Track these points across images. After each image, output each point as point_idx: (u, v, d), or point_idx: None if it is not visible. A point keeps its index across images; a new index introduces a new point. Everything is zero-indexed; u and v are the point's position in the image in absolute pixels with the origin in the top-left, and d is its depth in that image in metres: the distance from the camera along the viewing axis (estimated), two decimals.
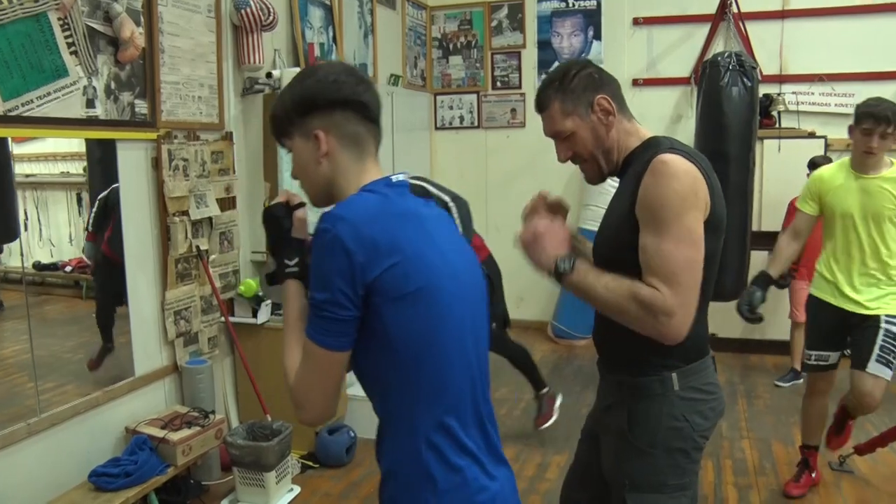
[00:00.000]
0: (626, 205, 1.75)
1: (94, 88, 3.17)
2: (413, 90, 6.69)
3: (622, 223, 1.77)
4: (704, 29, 6.13)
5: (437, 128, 7.10)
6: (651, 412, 1.82)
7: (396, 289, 1.29)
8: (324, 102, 1.42)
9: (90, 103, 3.16)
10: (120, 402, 3.40)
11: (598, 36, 6.53)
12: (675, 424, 1.79)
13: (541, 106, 1.88)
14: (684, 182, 1.67)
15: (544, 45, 6.73)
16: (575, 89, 1.82)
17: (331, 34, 5.20)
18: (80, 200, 3.81)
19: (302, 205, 1.57)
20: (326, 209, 1.37)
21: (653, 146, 1.78)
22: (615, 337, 1.83)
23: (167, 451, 3.26)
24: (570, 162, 1.91)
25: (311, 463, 4.00)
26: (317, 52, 4.84)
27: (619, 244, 1.78)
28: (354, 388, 4.42)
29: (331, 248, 1.28)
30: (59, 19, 3.01)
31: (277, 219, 1.55)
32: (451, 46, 7.07)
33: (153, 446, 3.25)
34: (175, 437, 3.28)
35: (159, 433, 3.29)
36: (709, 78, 5.05)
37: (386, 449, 1.42)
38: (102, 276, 3.65)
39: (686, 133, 6.19)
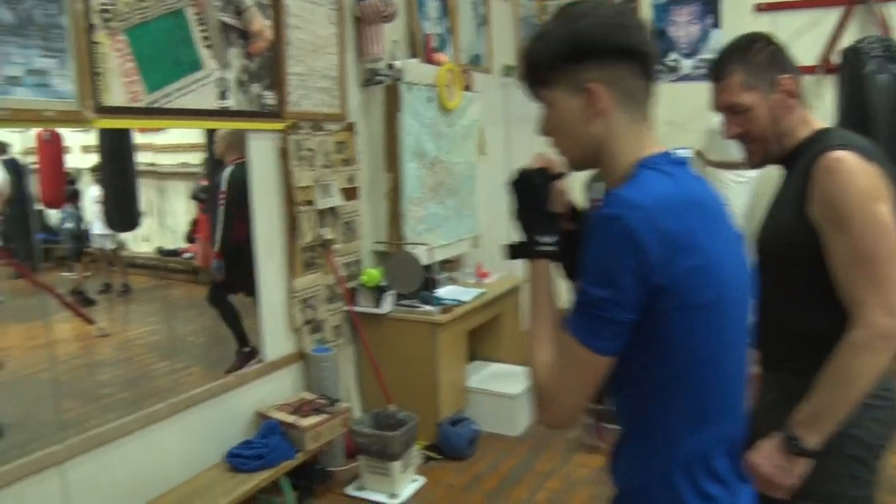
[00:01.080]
0: (796, 202, 1.65)
1: (227, 80, 3.25)
2: None
3: (793, 221, 1.65)
4: (834, 15, 5.78)
5: (539, 131, 6.98)
6: None
7: (691, 295, 1.12)
8: (604, 50, 1.19)
9: (222, 95, 3.24)
10: (250, 386, 3.48)
11: (717, 24, 6.28)
12: (850, 431, 1.61)
13: (718, 74, 1.76)
14: (862, 177, 1.55)
15: (660, 35, 6.53)
16: (760, 63, 1.70)
17: (446, 25, 5.19)
18: None
19: (562, 174, 1.35)
20: (599, 187, 1.24)
21: (823, 139, 1.67)
22: (776, 332, 1.72)
23: (297, 436, 3.31)
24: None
25: (433, 454, 3.99)
26: (434, 42, 4.84)
27: (792, 243, 1.67)
28: (473, 379, 4.40)
29: (620, 240, 1.09)
30: (195, 14, 3.09)
31: (534, 187, 1.32)
32: None
33: (283, 431, 3.31)
34: (304, 423, 3.33)
35: (289, 418, 3.35)
36: (851, 65, 4.76)
37: (630, 465, 1.27)
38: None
39: None
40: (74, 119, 2.65)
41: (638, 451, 1.25)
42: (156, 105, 2.93)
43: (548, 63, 1.23)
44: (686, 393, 1.18)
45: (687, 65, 6.40)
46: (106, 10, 2.73)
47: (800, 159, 1.69)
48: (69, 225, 3.70)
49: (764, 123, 1.72)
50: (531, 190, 1.33)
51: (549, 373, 1.19)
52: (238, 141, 3.45)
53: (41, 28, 2.50)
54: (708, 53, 6.27)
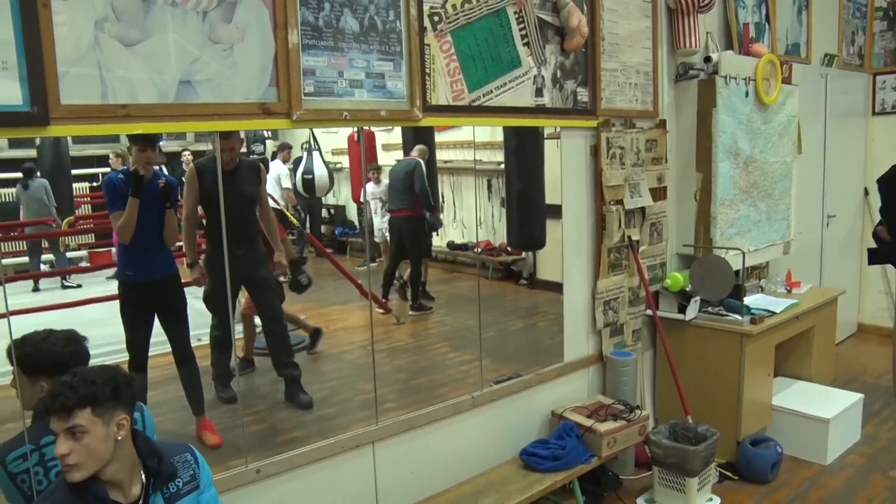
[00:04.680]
0: None
1: (543, 77, 3.24)
2: (848, 70, 5.97)
3: None
4: None
5: (874, 112, 6.26)
6: None
7: None
8: None
9: (538, 92, 3.24)
10: (548, 385, 3.48)
11: None
12: None
13: None
14: None
15: None
16: None
17: (764, 13, 4.81)
18: (490, 187, 3.98)
19: None
20: None
21: None
22: None
23: (593, 440, 3.25)
24: None
25: (730, 474, 3.73)
26: (752, 32, 4.51)
27: None
28: (779, 397, 4.06)
29: None
30: (514, 13, 3.11)
31: None
32: None
33: (580, 434, 3.26)
34: (602, 427, 3.25)
35: (586, 422, 3.30)
36: None
37: None
38: None
39: None
40: (405, 118, 2.78)
41: None
42: (476, 103, 3.00)
43: None
44: None
45: None
46: (436, 14, 2.82)
47: None
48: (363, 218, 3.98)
49: None
50: None
51: None
52: None
53: (381, 34, 2.65)
54: None
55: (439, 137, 4.08)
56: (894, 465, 3.84)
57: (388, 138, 4.27)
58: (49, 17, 1.92)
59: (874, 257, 1.17)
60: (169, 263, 2.97)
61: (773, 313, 3.94)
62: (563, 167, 3.45)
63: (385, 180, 4.38)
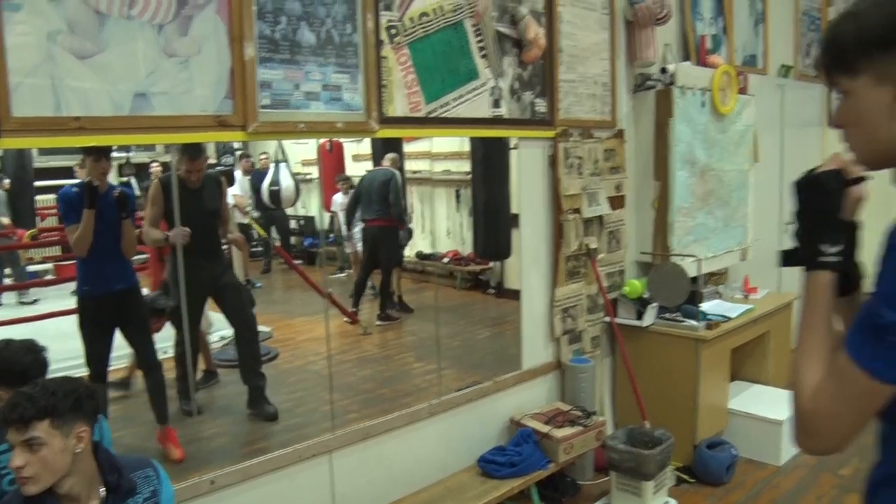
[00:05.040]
0: None
1: (500, 89, 3.29)
2: (805, 81, 6.10)
3: None
4: None
5: (830, 122, 6.40)
6: None
7: None
8: None
9: (496, 103, 3.28)
10: (507, 393, 3.52)
11: None
12: None
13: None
14: None
15: None
16: None
17: (721, 25, 4.90)
18: (458, 196, 4.03)
19: (862, 179, 1.19)
20: None
21: None
22: None
23: (550, 446, 3.29)
24: None
25: (686, 477, 3.80)
26: (708, 44, 4.60)
27: None
28: (735, 401, 4.14)
29: None
30: (472, 26, 3.16)
31: (827, 190, 1.18)
32: None
33: (537, 440, 3.31)
34: (559, 434, 3.30)
35: (543, 428, 3.34)
36: None
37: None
38: None
39: None
40: (361, 129, 2.81)
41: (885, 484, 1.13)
42: (434, 114, 3.04)
43: (855, 47, 1.07)
44: None
45: None
46: (393, 27, 2.86)
47: None
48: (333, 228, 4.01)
49: None
50: (822, 193, 1.18)
51: (816, 396, 1.08)
52: None
53: (337, 47, 2.68)
54: None
55: (407, 148, 4.10)
56: (844, 465, 3.93)
57: (358, 149, 4.29)
58: (0, 29, 1.93)
59: (788, 259, 1.16)
60: (128, 275, 2.99)
61: (729, 318, 4.02)
62: (522, 177, 3.50)
63: (351, 190, 4.41)
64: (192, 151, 3.16)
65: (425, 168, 4.05)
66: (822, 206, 1.18)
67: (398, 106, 2.90)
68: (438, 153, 3.82)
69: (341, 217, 4.47)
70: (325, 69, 2.65)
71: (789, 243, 1.21)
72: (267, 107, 2.49)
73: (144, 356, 3.03)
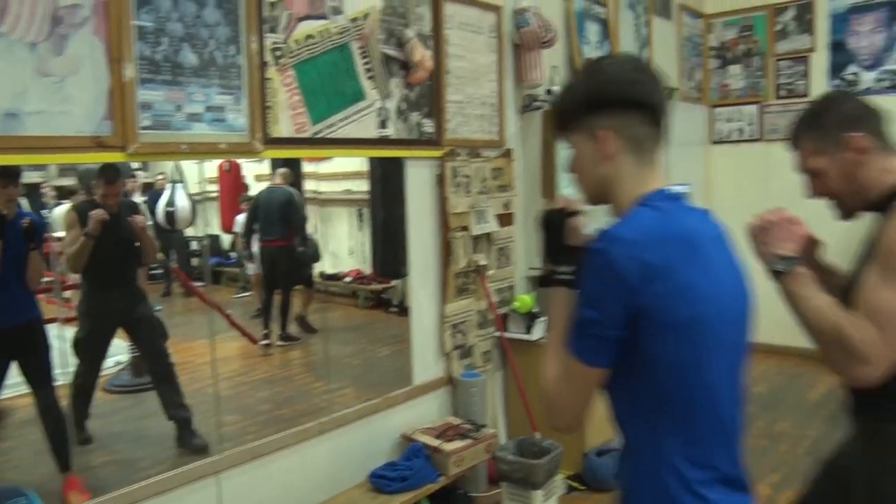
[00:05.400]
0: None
1: (387, 110, 3.36)
2: (689, 102, 6.41)
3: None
4: None
5: (713, 141, 6.75)
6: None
7: (664, 315, 1.26)
8: (615, 102, 1.37)
9: (383, 124, 3.35)
10: (398, 409, 3.57)
11: None
12: None
13: (794, 143, 1.86)
14: None
15: (837, 47, 6.13)
16: (828, 126, 1.78)
17: (607, 48, 5.12)
18: (360, 216, 4.07)
19: (578, 212, 1.52)
20: (606, 224, 1.32)
21: None
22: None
23: (440, 460, 3.35)
24: None
25: (577, 485, 3.92)
26: None
27: None
28: None
29: (604, 269, 1.26)
30: (359, 48, 3.22)
31: (552, 225, 1.51)
32: (729, 55, 6.69)
33: (428, 454, 3.37)
34: (448, 447, 3.37)
35: (434, 442, 3.40)
36: None
37: (629, 470, 1.40)
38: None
39: None
40: (245, 150, 2.83)
41: (634, 455, 1.38)
42: (320, 135, 3.08)
43: (570, 111, 1.43)
44: (667, 403, 1.31)
45: (868, 78, 5.98)
46: (278, 49, 2.89)
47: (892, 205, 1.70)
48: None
49: (837, 183, 1.79)
50: (551, 226, 1.52)
51: (555, 384, 1.36)
52: None
53: (221, 68, 2.69)
54: (894, 64, 5.83)
55: (309, 168, 4.11)
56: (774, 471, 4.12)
57: (260, 168, 4.27)
58: None
59: (542, 282, 1.51)
60: (31, 306, 2.85)
61: None
62: (409, 196, 3.57)
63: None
64: (109, 174, 3.06)
65: (327, 189, 4.07)
66: (552, 237, 1.50)
67: (283, 127, 2.93)
68: (339, 173, 3.85)
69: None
70: (208, 90, 2.66)
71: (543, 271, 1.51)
72: (148, 128, 2.48)
73: (43, 395, 2.83)
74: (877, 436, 1.76)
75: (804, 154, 1.83)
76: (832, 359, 1.64)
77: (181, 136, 2.59)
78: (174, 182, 4.16)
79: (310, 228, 3.83)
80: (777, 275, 1.72)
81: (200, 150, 2.67)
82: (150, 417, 3.27)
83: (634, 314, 1.25)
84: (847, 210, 1.84)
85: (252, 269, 4.50)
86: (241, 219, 4.47)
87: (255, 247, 4.40)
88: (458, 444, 3.41)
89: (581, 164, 1.43)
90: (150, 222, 4.35)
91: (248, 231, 4.43)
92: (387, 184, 3.76)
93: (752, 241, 1.79)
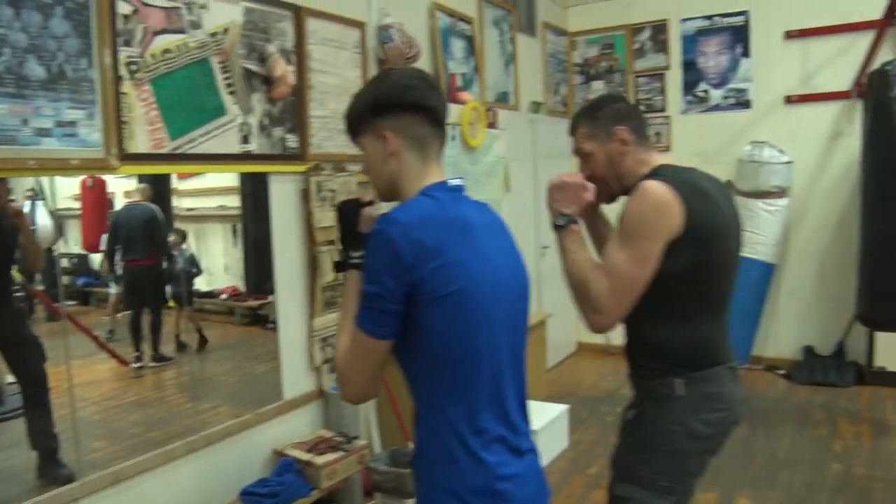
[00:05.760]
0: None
1: (249, 125, 3.35)
2: (555, 116, 6.66)
3: None
4: (867, 38, 5.71)
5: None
6: (655, 414, 2.01)
7: (436, 289, 1.41)
8: (395, 105, 1.54)
9: (245, 139, 3.34)
10: (269, 424, 3.54)
11: (746, 53, 6.27)
12: (675, 428, 1.97)
13: (571, 129, 2.18)
14: (651, 206, 1.89)
15: (689, 66, 6.54)
16: (600, 118, 2.10)
17: (472, 64, 5.26)
18: (235, 232, 4.02)
19: (371, 203, 1.69)
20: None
21: (653, 173, 2.01)
22: (630, 343, 2.10)
23: (312, 473, 3.36)
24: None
25: None
26: (459, 82, 4.92)
27: None
28: None
29: (383, 248, 1.41)
30: (219, 63, 3.20)
31: (347, 214, 1.68)
32: (592, 71, 7.01)
33: (299, 469, 3.36)
34: (320, 460, 3.37)
35: (305, 456, 3.40)
36: (877, 89, 4.72)
37: (419, 430, 1.55)
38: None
39: (847, 151, 5.83)
40: (100, 167, 2.77)
41: (422, 417, 1.53)
42: (179, 151, 3.04)
43: (358, 117, 1.59)
44: (442, 369, 1.47)
45: (716, 95, 6.40)
46: (133, 63, 2.84)
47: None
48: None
49: (603, 167, 2.10)
50: (345, 216, 1.68)
51: (345, 357, 1.50)
52: None
53: (71, 82, 2.62)
54: (738, 83, 6.26)
55: (182, 185, 4.02)
56: (592, 464, 4.31)
57: (129, 185, 4.14)
58: None
59: (338, 267, 1.68)
60: None
61: None
62: (274, 211, 3.57)
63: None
64: None
65: (201, 205, 3.99)
66: (346, 225, 1.67)
67: (141, 142, 2.88)
68: (212, 188, 3.79)
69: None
70: (57, 104, 2.59)
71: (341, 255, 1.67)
72: None
73: None
74: (641, 390, 2.09)
75: (579, 138, 2.13)
76: (579, 306, 1.97)
77: (28, 151, 2.50)
78: (34, 199, 3.99)
79: (184, 245, 3.74)
80: (557, 228, 2.05)
81: (50, 167, 2.59)
82: (6, 449, 3.12)
83: (411, 289, 1.40)
84: (608, 194, 2.16)
85: (113, 289, 4.35)
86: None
87: (118, 267, 4.27)
88: (329, 456, 3.42)
89: (371, 164, 1.60)
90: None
91: (111, 251, 4.29)
92: (257, 199, 3.73)
93: (548, 196, 2.10)
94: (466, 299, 1.44)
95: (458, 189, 1.58)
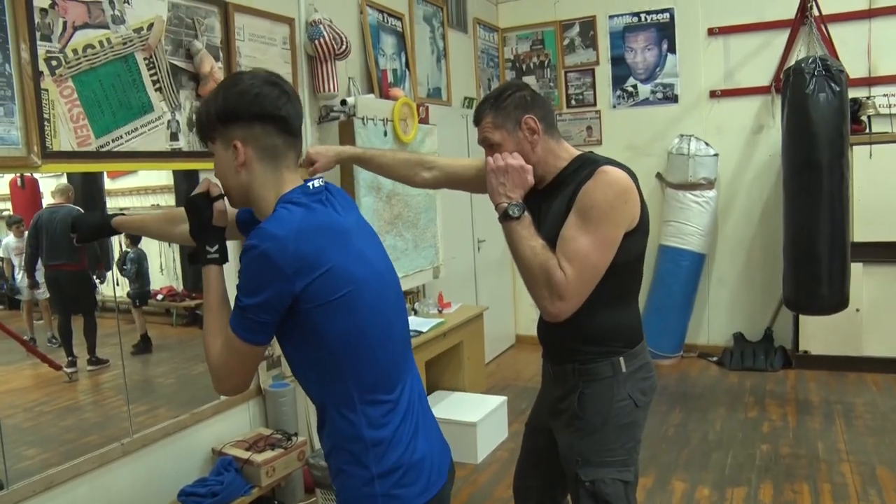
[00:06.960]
0: (563, 210, 1.97)
1: (178, 122, 3.31)
2: None
3: (560, 227, 1.96)
4: (784, 35, 5.94)
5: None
6: (602, 393, 2.04)
7: (324, 296, 1.43)
8: (245, 116, 1.50)
9: (174, 136, 3.29)
10: (206, 424, 3.50)
11: (672, 49, 6.43)
12: (623, 402, 2.04)
13: (476, 119, 2.12)
14: (617, 192, 1.91)
15: (618, 61, 6.67)
16: (506, 107, 2.04)
17: (403, 60, 5.28)
18: None
19: (222, 196, 1.65)
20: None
21: (590, 162, 2.01)
22: (560, 333, 2.06)
23: (252, 472, 3.33)
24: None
25: None
26: (390, 77, 4.93)
27: None
28: (437, 409, 4.43)
29: (260, 263, 1.39)
30: (145, 59, 3.15)
31: (199, 208, 1.63)
32: (524, 67, 7.09)
33: (238, 467, 3.33)
34: (259, 458, 3.35)
35: (244, 454, 3.37)
36: (793, 85, 4.92)
37: (328, 431, 1.58)
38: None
39: (769, 143, 6.03)
40: (21, 165, 2.70)
41: (330, 415, 1.55)
42: (105, 149, 2.98)
43: (208, 123, 1.54)
44: (345, 364, 1.50)
45: (644, 90, 6.54)
46: (54, 59, 2.78)
47: (566, 184, 2.02)
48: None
49: None
50: (196, 209, 1.63)
51: (220, 356, 1.50)
52: None
53: None
54: (665, 78, 6.41)
55: (114, 185, 3.94)
56: None
57: (59, 183, 4.03)
58: None
59: (191, 259, 1.66)
60: None
61: (420, 332, 4.31)
62: None
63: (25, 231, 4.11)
64: None
65: (134, 204, 3.91)
66: (199, 219, 1.63)
67: (64, 140, 2.82)
68: (146, 187, 3.71)
69: (15, 262, 4.16)
70: None
71: (192, 248, 1.68)
72: None
73: None
74: (583, 375, 2.06)
75: (486, 128, 2.07)
76: (537, 294, 1.94)
77: None
78: None
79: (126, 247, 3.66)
80: (507, 217, 1.97)
81: None
82: None
83: (292, 300, 1.42)
84: None
85: (27, 296, 4.24)
86: (10, 242, 4.20)
87: (39, 273, 4.16)
88: (268, 454, 3.40)
89: (222, 172, 1.57)
90: None
91: (33, 255, 4.17)
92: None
93: (490, 179, 2.02)
94: (355, 300, 1.48)
95: (321, 190, 1.56)
